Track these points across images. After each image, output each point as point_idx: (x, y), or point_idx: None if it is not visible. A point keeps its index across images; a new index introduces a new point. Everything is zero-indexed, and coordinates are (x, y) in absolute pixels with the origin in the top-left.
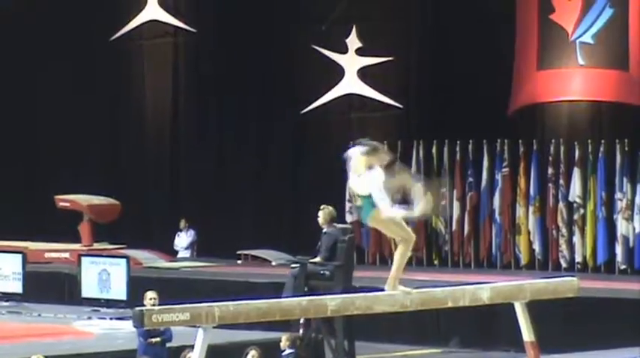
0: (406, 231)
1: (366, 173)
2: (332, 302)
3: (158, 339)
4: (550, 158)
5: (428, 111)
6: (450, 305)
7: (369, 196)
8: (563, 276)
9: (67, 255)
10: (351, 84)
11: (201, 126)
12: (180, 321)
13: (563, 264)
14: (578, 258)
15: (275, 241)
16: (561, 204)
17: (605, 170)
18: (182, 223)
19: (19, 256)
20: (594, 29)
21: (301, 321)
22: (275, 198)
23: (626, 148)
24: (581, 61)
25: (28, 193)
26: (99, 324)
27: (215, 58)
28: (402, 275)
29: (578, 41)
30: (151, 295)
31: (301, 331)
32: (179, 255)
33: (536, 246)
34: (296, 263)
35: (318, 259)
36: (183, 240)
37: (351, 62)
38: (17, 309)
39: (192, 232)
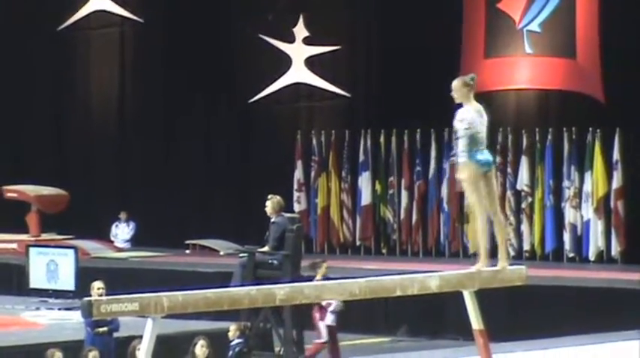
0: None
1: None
2: (281, 292)
3: (105, 329)
4: (497, 146)
5: (376, 100)
6: (398, 293)
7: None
8: (512, 265)
9: (14, 245)
10: (298, 73)
11: (148, 115)
12: (128, 311)
13: (512, 253)
14: (526, 247)
15: (223, 231)
16: (509, 193)
17: (553, 158)
18: (123, 214)
19: None
20: (541, 17)
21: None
22: (223, 187)
23: (574, 136)
24: (528, 50)
25: None
26: (47, 315)
27: (162, 48)
28: (350, 264)
29: (525, 29)
30: (98, 285)
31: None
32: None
33: None
34: (244, 252)
35: (266, 248)
36: (122, 231)
37: (298, 51)
38: None
39: (133, 225)
